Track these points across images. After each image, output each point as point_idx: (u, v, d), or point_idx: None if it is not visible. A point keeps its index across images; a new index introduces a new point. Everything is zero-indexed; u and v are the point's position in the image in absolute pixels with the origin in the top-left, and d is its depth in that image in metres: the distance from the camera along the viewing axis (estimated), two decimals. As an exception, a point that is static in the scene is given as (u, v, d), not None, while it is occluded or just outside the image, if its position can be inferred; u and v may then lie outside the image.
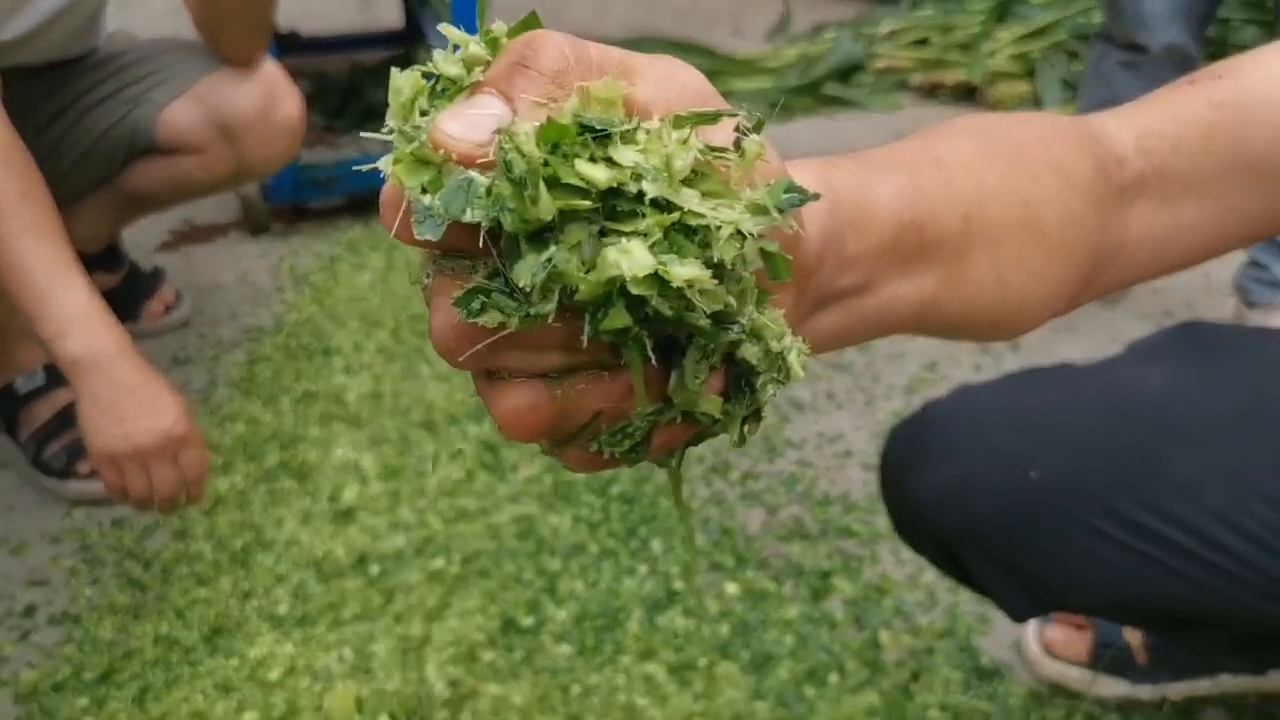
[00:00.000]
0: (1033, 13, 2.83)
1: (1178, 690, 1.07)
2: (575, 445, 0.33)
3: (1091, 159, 0.50)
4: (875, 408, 1.55)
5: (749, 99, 2.68)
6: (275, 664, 1.10)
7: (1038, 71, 2.56)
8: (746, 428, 0.33)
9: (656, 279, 0.27)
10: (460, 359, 0.29)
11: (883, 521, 1.34)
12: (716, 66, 2.79)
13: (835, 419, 1.53)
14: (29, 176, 1.01)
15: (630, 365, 0.29)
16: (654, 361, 0.29)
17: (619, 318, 0.27)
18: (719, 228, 0.28)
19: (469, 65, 0.31)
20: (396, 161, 0.29)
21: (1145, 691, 1.08)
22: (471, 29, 0.32)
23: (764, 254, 0.30)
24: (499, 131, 0.27)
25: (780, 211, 0.29)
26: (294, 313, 1.74)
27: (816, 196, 0.31)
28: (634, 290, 0.26)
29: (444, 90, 0.30)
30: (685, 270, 0.27)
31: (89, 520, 1.34)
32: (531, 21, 0.32)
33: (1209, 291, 1.80)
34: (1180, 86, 0.54)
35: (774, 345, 0.31)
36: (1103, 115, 0.53)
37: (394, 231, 0.29)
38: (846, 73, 2.76)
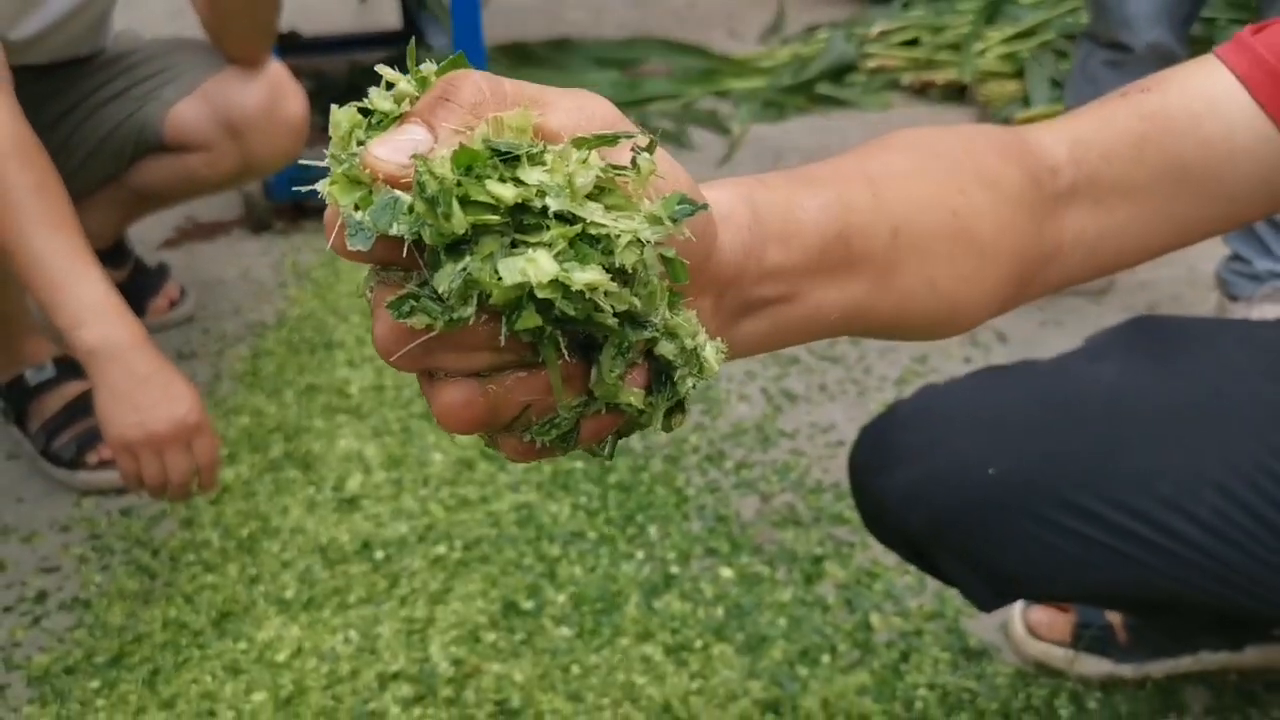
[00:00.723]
0: (1022, 13, 2.86)
1: (1160, 668, 1.11)
2: (509, 436, 0.36)
3: (1023, 169, 0.54)
4: (867, 399, 1.59)
5: (744, 98, 2.71)
6: (283, 646, 1.13)
7: (1027, 71, 2.60)
8: (672, 419, 0.37)
9: (560, 284, 0.30)
10: (395, 359, 0.33)
11: (874, 509, 1.37)
12: (712, 66, 2.82)
13: (828, 410, 1.57)
14: (44, 170, 1.04)
15: (547, 362, 0.33)
16: (569, 358, 0.33)
17: (530, 319, 0.31)
18: (618, 236, 0.31)
19: (399, 100, 0.35)
20: (332, 183, 0.33)
21: (1128, 670, 1.11)
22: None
23: (664, 259, 0.33)
24: (415, 156, 0.31)
25: (674, 221, 0.33)
26: (296, 308, 1.77)
27: (705, 207, 0.35)
28: (540, 294, 0.30)
29: (378, 122, 0.35)
30: (585, 275, 0.30)
31: (98, 509, 1.37)
32: (458, 62, 0.36)
33: (1193, 285, 1.84)
34: (1113, 99, 0.58)
35: (688, 342, 0.35)
36: (1037, 127, 0.57)
37: (330, 244, 0.33)
38: (839, 73, 2.79)
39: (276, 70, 1.43)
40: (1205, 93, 0.56)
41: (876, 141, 0.54)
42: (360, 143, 0.34)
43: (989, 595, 0.77)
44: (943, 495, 0.76)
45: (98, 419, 1.05)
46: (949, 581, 0.82)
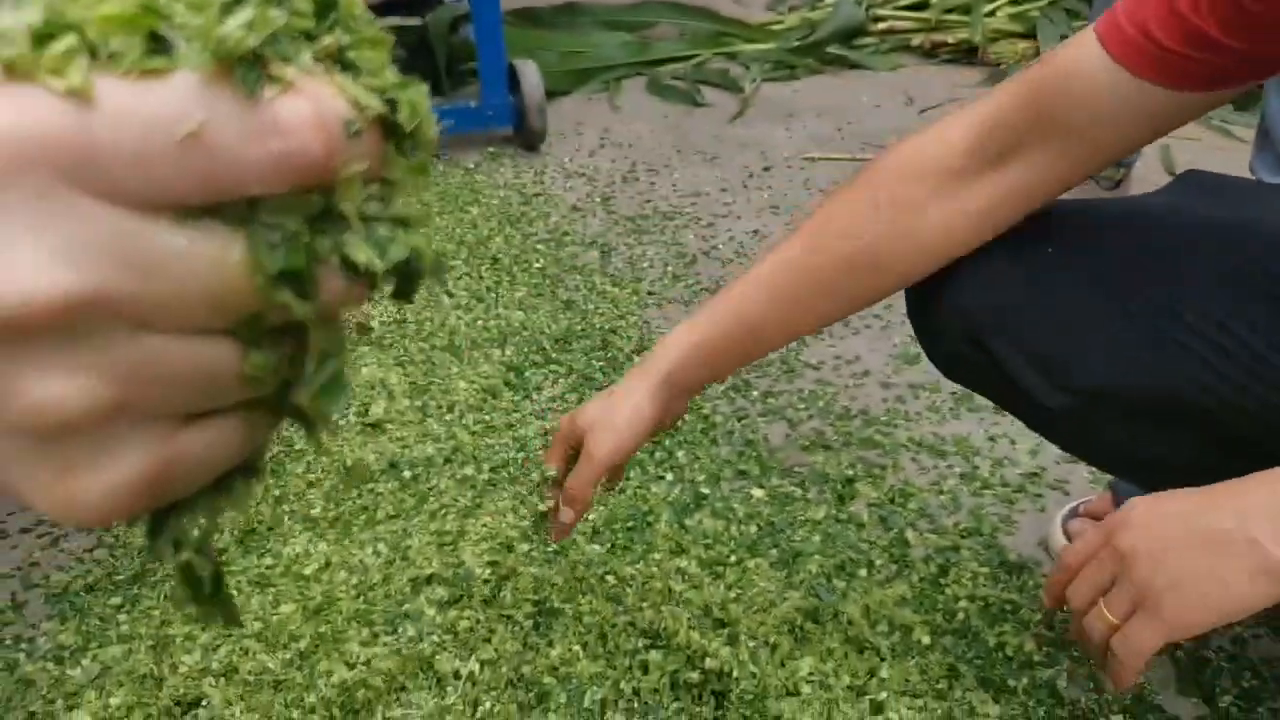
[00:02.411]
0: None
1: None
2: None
3: (923, 187, 0.75)
4: (891, 332, 1.57)
5: (754, 60, 2.69)
6: (311, 560, 1.11)
7: (1039, 29, 2.59)
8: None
9: None
10: None
11: (904, 433, 1.35)
12: (722, 29, 2.81)
13: (851, 343, 1.55)
14: None
15: None
16: None
17: None
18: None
19: None
20: None
21: (1171, 580, 1.09)
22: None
23: None
24: None
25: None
26: (311, 248, 1.74)
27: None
28: None
29: None
30: None
31: (115, 437, 1.34)
32: None
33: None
34: (1011, 80, 0.74)
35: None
36: (941, 125, 0.76)
37: None
38: (849, 35, 2.78)
39: None
40: (1075, 56, 0.69)
41: (757, 279, 0.81)
42: None
43: (1046, 387, 0.76)
44: (1004, 279, 0.76)
45: None
46: (1008, 379, 0.79)
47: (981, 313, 0.75)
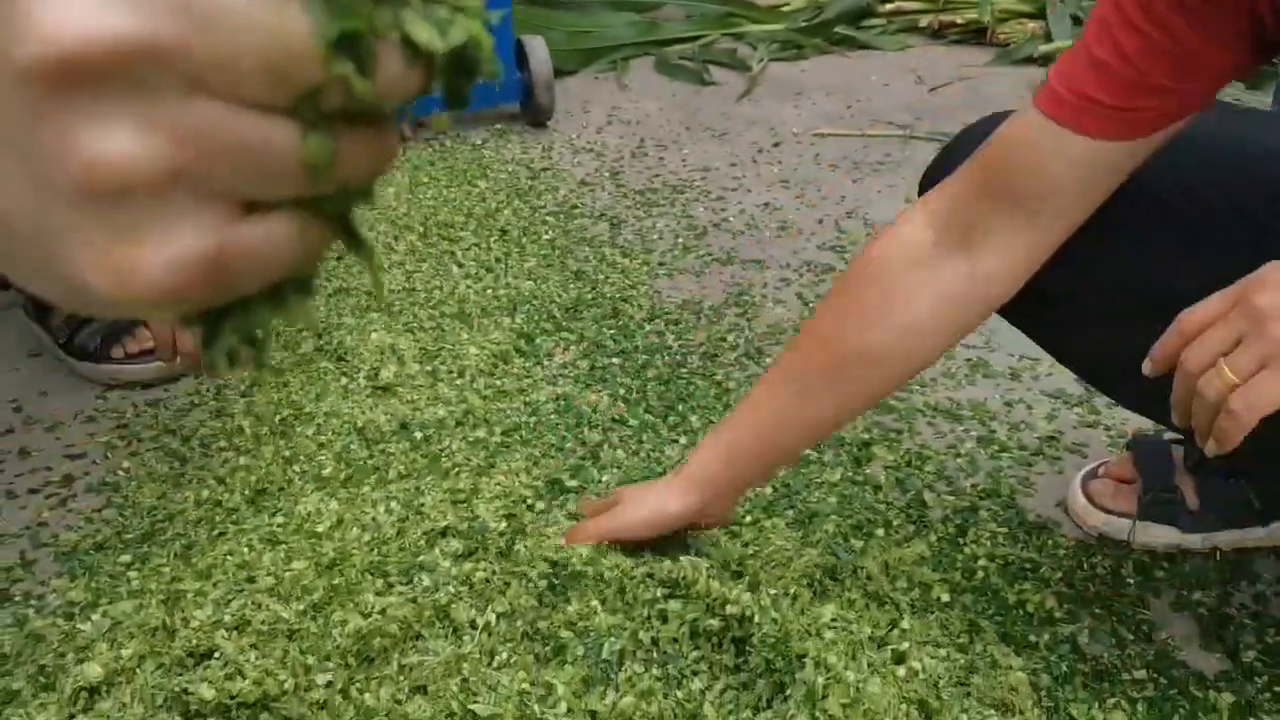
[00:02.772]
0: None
1: (1228, 539, 1.08)
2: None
3: (895, 277, 0.79)
4: (905, 302, 1.56)
5: (761, 40, 2.68)
6: (322, 519, 1.09)
7: (1049, 7, 2.58)
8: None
9: None
10: None
11: (920, 399, 1.34)
12: (729, 9, 2.79)
13: (866, 313, 1.53)
14: None
15: None
16: None
17: None
18: None
19: None
20: None
21: (1195, 540, 1.08)
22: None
23: None
24: None
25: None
26: (320, 218, 1.73)
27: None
28: None
29: None
30: None
31: (124, 401, 1.33)
32: None
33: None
34: (964, 166, 0.78)
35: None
36: (902, 223, 0.80)
37: None
38: (856, 16, 2.77)
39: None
40: (1021, 128, 0.73)
41: (764, 393, 0.87)
42: None
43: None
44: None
45: None
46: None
47: None
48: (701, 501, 0.88)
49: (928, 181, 0.87)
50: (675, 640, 0.85)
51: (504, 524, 0.98)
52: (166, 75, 0.19)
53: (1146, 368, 0.68)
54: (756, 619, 0.81)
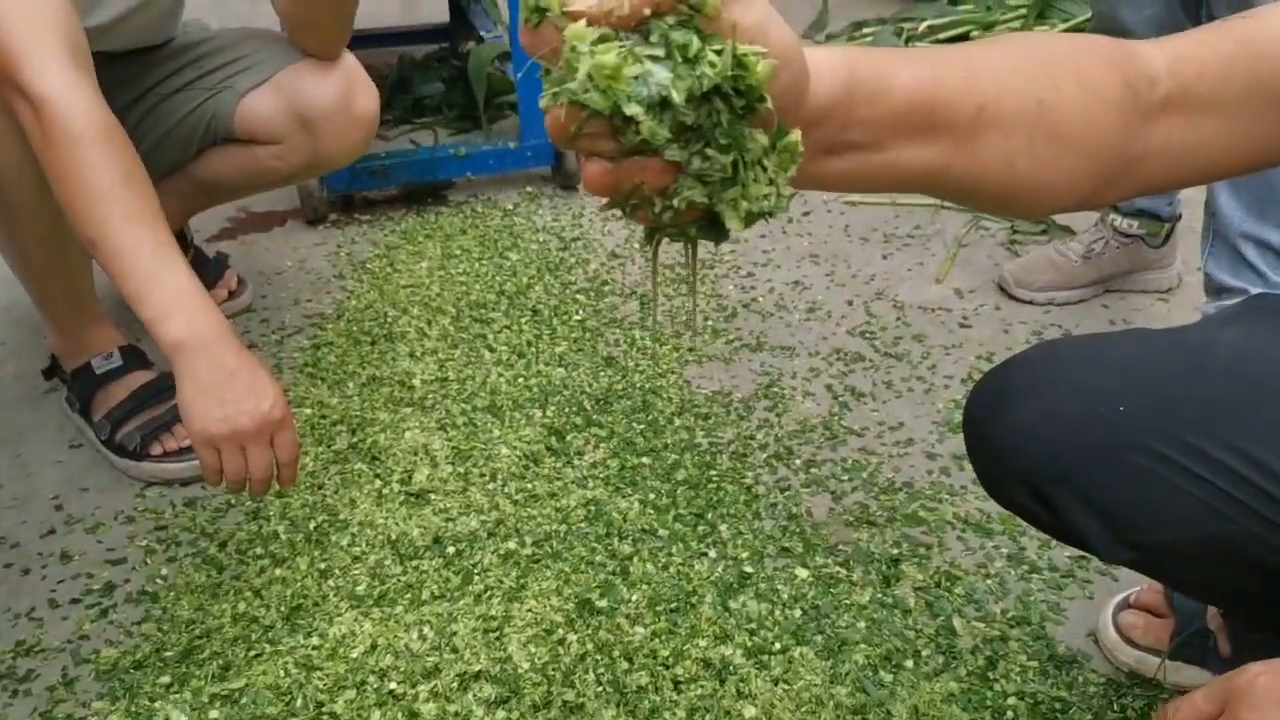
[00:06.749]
0: (1074, 9, 2.82)
1: (1258, 681, 1.07)
2: (635, 207, 0.46)
3: (1121, 75, 0.59)
4: (935, 396, 1.55)
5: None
6: (357, 642, 1.11)
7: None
8: (746, 218, 0.47)
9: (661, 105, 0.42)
10: (560, 141, 0.43)
11: (950, 509, 1.34)
12: (759, 61, 2.79)
13: (895, 408, 1.53)
14: (130, 158, 1.02)
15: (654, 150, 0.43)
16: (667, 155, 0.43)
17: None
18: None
19: None
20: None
21: (1225, 680, 1.07)
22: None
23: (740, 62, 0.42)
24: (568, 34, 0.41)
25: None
26: (355, 299, 1.75)
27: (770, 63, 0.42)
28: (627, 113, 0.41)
29: None
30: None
31: (162, 500, 1.36)
32: None
33: (1267, 286, 1.79)
34: (1213, 25, 0.64)
35: (752, 152, 0.45)
36: (1143, 42, 0.63)
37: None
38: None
39: (351, 63, 1.41)
40: None
41: (987, 38, 0.63)
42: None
43: (1111, 542, 0.75)
44: (1066, 429, 0.74)
45: (181, 411, 1.03)
46: (1069, 528, 0.79)
47: (1046, 461, 0.74)
48: (851, 78, 0.53)
49: (979, 413, 0.81)
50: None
51: (535, 671, 0.99)
52: None
53: None
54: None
